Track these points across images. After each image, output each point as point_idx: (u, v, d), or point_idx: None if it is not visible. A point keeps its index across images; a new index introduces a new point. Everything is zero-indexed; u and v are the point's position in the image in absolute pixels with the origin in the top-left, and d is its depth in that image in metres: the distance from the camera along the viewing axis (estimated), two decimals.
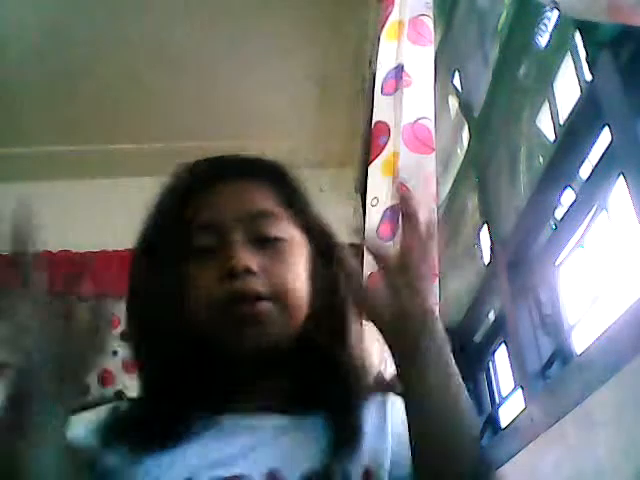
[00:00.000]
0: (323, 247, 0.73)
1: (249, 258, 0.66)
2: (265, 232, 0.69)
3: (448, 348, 0.63)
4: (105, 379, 2.96)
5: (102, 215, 3.17)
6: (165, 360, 0.66)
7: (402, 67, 1.45)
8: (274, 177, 0.74)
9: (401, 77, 1.45)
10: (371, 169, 1.46)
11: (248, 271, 0.65)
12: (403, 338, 0.62)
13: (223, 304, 0.65)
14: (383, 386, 0.75)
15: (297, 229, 0.72)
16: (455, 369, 0.63)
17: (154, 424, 0.64)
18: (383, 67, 1.53)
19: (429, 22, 1.54)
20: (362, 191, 3.35)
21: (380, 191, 1.41)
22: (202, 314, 0.66)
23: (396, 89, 1.46)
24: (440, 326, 0.63)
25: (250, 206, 0.70)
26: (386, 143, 1.44)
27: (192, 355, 0.66)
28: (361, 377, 0.71)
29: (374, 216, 1.38)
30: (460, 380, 0.63)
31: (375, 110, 1.51)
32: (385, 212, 1.36)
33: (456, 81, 2.06)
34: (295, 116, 3.19)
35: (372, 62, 2.61)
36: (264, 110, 3.13)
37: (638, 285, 1.03)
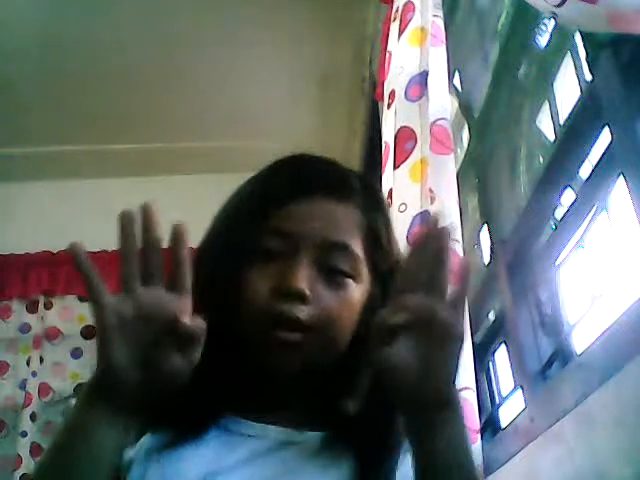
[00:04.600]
0: (387, 279, 0.69)
1: (308, 283, 0.64)
2: (336, 265, 0.67)
3: (466, 430, 0.60)
4: None
5: (102, 215, 3.17)
6: (210, 352, 0.62)
7: (427, 73, 1.45)
8: (365, 204, 0.71)
9: (426, 83, 1.44)
10: (397, 174, 1.45)
11: (301, 296, 0.64)
12: (423, 407, 0.58)
13: (266, 321, 0.64)
14: None
15: (368, 265, 0.70)
16: (470, 448, 0.60)
17: (188, 413, 0.64)
18: (405, 72, 1.53)
19: (440, 22, 1.54)
20: None
21: (408, 197, 1.40)
22: (249, 322, 0.65)
23: (421, 95, 1.46)
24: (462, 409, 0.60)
25: (332, 235, 0.67)
26: (412, 149, 1.43)
27: (233, 354, 0.66)
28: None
29: (402, 223, 1.38)
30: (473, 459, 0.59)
31: (398, 115, 1.51)
32: (415, 218, 1.36)
33: (456, 81, 2.05)
34: (295, 116, 3.19)
35: (372, 62, 2.61)
36: (264, 110, 3.13)
37: (638, 285, 1.03)
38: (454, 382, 0.59)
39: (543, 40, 1.46)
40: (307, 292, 0.64)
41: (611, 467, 0.87)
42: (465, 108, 1.99)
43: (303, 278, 0.64)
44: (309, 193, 0.68)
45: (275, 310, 0.64)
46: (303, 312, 0.64)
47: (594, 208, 1.22)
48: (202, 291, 0.62)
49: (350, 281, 0.68)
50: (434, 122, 1.40)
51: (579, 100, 1.24)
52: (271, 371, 0.66)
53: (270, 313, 0.64)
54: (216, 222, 0.73)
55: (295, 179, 0.70)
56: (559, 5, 0.86)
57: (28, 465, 2.87)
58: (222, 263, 0.68)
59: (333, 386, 0.69)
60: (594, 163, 1.20)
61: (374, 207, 0.72)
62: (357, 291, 0.68)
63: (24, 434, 2.93)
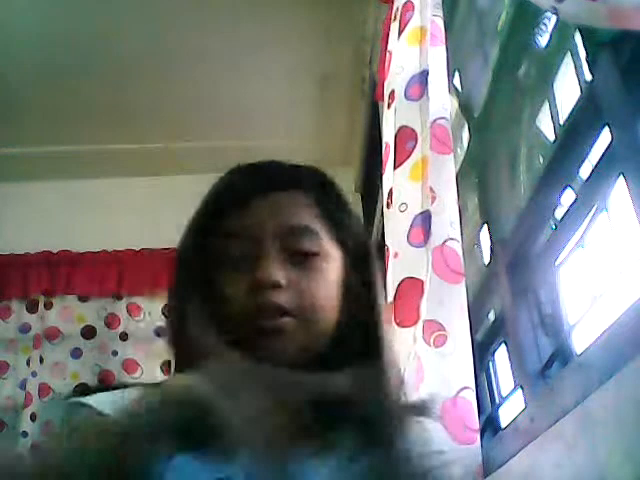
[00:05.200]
0: (358, 258, 0.74)
1: (279, 272, 0.67)
2: (301, 247, 0.69)
3: None
4: (104, 380, 2.96)
5: (102, 215, 3.17)
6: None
7: (427, 72, 1.45)
8: (315, 188, 0.74)
9: (426, 82, 1.45)
10: (398, 174, 1.45)
11: (276, 285, 0.66)
12: None
13: (247, 316, 0.66)
14: (417, 409, 0.72)
15: (334, 243, 0.72)
16: None
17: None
18: (405, 72, 1.53)
19: (439, 22, 1.54)
20: (362, 191, 3.36)
21: (409, 197, 1.40)
22: (228, 323, 0.67)
23: (421, 94, 1.46)
24: None
25: (288, 220, 0.70)
26: (413, 148, 1.43)
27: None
28: (396, 392, 0.70)
29: (403, 222, 1.38)
30: None
31: (398, 115, 1.51)
32: (415, 218, 1.36)
33: (456, 81, 2.05)
34: (295, 116, 3.20)
35: (372, 62, 2.61)
36: (264, 110, 3.13)
37: (638, 285, 1.03)
38: None
39: (543, 40, 1.46)
40: (282, 281, 0.66)
41: (611, 467, 0.87)
42: (465, 108, 1.99)
43: (274, 270, 0.67)
44: (260, 192, 0.71)
45: (256, 302, 0.66)
46: (283, 299, 0.66)
47: (594, 208, 1.22)
48: (181, 293, 0.65)
49: (319, 259, 0.70)
50: (434, 121, 1.41)
51: (579, 100, 1.24)
52: (264, 361, 0.66)
53: (250, 308, 0.66)
54: (185, 237, 0.75)
55: (245, 181, 0.73)
56: (560, 1, 0.86)
57: None
58: (192, 270, 0.71)
59: (328, 368, 0.68)
60: (594, 163, 1.20)
61: (326, 191, 0.76)
62: (329, 268, 0.71)
63: (24, 434, 2.93)
